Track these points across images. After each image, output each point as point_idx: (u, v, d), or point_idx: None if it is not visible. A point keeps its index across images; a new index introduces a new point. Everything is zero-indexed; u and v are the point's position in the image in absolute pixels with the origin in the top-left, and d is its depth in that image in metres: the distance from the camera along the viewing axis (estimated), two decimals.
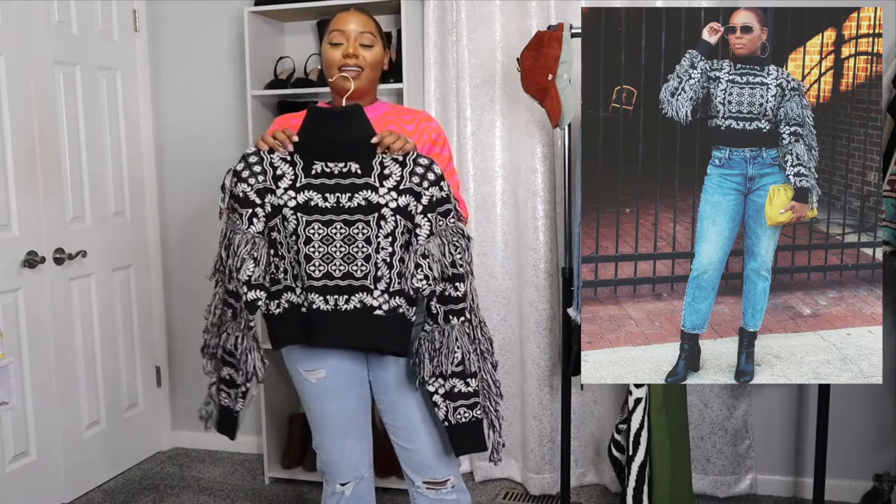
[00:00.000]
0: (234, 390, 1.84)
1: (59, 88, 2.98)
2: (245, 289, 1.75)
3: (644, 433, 2.42)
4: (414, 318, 1.82)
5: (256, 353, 1.79)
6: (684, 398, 2.49)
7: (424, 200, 1.78)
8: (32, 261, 2.82)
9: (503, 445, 1.92)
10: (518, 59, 2.48)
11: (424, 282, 1.76)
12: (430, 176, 1.78)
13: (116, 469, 3.30)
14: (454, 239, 1.79)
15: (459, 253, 1.79)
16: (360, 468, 2.01)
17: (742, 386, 2.86)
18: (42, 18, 2.89)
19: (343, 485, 2.00)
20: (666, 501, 2.40)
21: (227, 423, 1.89)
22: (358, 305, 1.77)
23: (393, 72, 2.95)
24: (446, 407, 1.83)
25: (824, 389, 2.42)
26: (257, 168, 1.77)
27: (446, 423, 1.84)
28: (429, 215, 1.78)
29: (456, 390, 1.82)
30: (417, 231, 1.77)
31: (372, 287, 1.77)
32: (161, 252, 3.53)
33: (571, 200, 2.57)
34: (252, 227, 1.76)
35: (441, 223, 1.79)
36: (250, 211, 1.76)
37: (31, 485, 2.86)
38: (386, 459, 2.99)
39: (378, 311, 1.78)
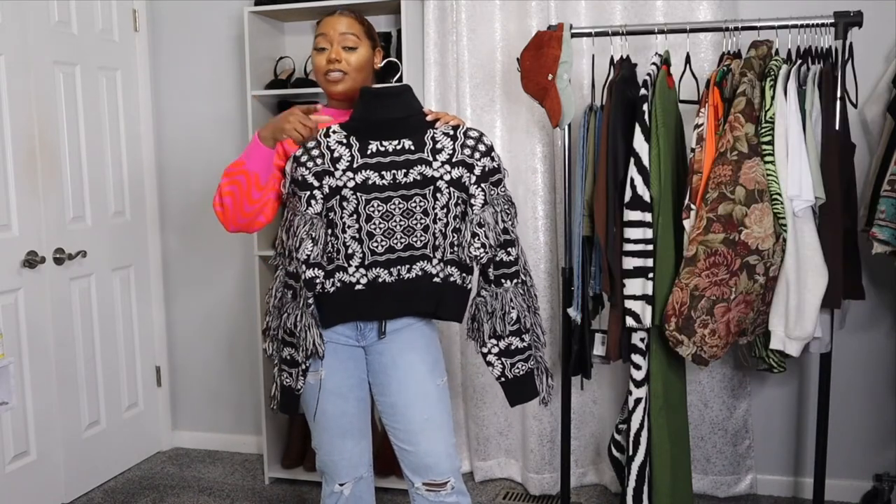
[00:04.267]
0: (295, 369, 1.90)
1: (59, 88, 2.97)
2: (304, 267, 1.80)
3: (644, 433, 2.41)
4: (470, 287, 1.88)
5: (315, 331, 1.83)
6: (684, 398, 2.48)
7: (477, 171, 1.84)
8: (32, 261, 2.82)
9: (553, 388, 1.99)
10: (518, 59, 2.48)
11: (482, 250, 1.83)
12: (481, 147, 1.86)
13: (116, 469, 3.30)
14: (505, 207, 1.87)
15: (510, 220, 1.87)
16: (359, 468, 2.01)
17: (742, 386, 2.86)
18: (42, 18, 2.89)
19: (342, 485, 2.00)
20: (666, 501, 2.40)
21: (289, 402, 1.94)
22: (419, 273, 1.85)
23: (391, 72, 2.95)
24: (502, 364, 1.92)
25: (824, 389, 2.41)
26: (315, 152, 1.83)
27: (502, 380, 1.93)
28: (482, 185, 1.85)
29: (513, 347, 1.91)
30: (472, 201, 1.84)
31: (431, 255, 1.84)
32: (161, 252, 3.53)
33: (571, 200, 2.57)
34: (310, 208, 1.81)
35: (493, 192, 1.86)
36: (308, 193, 1.81)
37: (31, 485, 2.86)
38: (386, 459, 2.99)
39: (436, 279, 1.85)
